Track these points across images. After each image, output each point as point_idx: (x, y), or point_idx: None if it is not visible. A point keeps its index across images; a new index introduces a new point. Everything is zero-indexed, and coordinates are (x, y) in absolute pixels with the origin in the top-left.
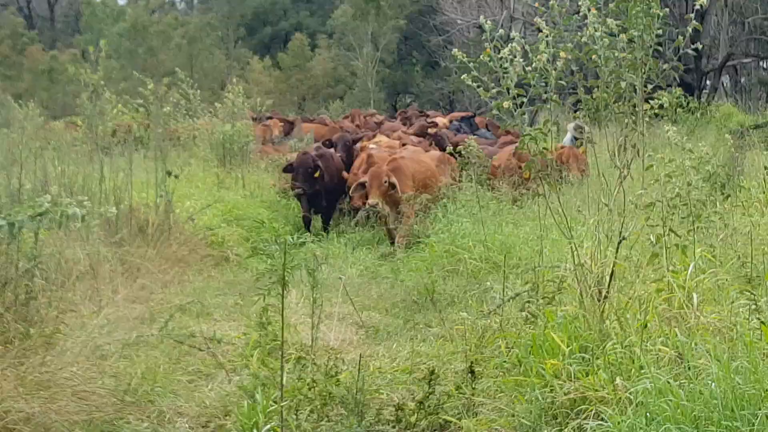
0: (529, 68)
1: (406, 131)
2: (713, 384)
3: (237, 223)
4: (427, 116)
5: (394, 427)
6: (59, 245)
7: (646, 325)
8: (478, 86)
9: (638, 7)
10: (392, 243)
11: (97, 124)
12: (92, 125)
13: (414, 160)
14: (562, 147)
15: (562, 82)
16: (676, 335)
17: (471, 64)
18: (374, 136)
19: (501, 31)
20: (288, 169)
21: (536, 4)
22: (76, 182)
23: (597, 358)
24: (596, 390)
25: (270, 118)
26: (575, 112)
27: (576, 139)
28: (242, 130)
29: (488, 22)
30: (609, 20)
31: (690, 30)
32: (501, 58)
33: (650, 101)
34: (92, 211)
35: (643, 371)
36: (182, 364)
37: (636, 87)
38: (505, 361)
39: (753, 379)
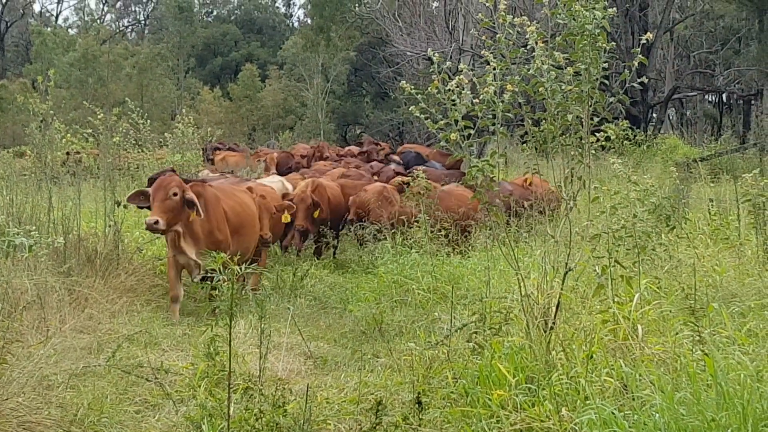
0: (477, 100)
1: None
2: (657, 415)
3: None
4: (382, 147)
5: None
6: (6, 274)
7: (591, 356)
8: (426, 118)
9: (585, 41)
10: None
11: (46, 154)
12: (41, 155)
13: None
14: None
15: (510, 115)
16: (621, 366)
17: (419, 96)
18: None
19: (449, 63)
20: None
21: (484, 37)
22: (24, 212)
23: (543, 389)
24: (542, 420)
25: (218, 148)
26: (523, 143)
27: None
28: (192, 159)
29: (436, 54)
30: (556, 53)
31: (636, 63)
32: (449, 90)
33: (596, 134)
34: (40, 241)
35: (588, 402)
36: (129, 394)
37: (582, 120)
38: (452, 392)
39: (696, 410)
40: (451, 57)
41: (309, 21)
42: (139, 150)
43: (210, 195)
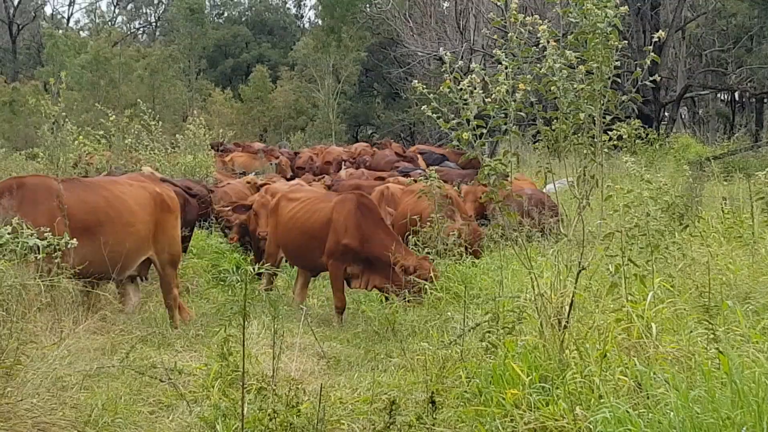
0: (489, 100)
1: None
2: (672, 413)
3: (198, 254)
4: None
5: None
6: (20, 277)
7: (605, 355)
8: (438, 117)
9: (596, 39)
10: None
11: (58, 156)
12: (53, 156)
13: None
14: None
15: (522, 114)
16: (635, 365)
17: (431, 96)
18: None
19: (461, 62)
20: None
21: (495, 36)
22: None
23: (557, 388)
24: (556, 419)
25: (226, 150)
26: (535, 143)
27: None
28: (203, 161)
29: (448, 54)
30: (567, 52)
31: (648, 62)
32: (461, 89)
33: (609, 132)
34: (53, 243)
35: (602, 401)
36: (143, 395)
37: (595, 118)
38: (465, 391)
39: (711, 408)
40: (462, 57)
41: (320, 22)
42: (151, 152)
43: (34, 187)
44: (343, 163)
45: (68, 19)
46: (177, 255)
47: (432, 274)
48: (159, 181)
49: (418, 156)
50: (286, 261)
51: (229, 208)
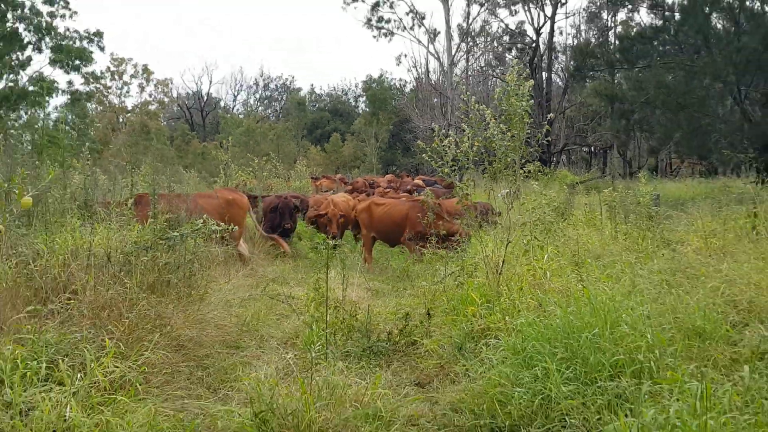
0: (459, 150)
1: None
2: (557, 320)
3: (298, 235)
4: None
5: (386, 343)
6: (207, 246)
7: (521, 288)
8: (431, 160)
9: (516, 118)
10: None
11: (226, 182)
12: (226, 184)
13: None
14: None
15: (476, 158)
16: (538, 294)
17: (427, 149)
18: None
19: (443, 131)
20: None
21: (462, 117)
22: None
23: (495, 306)
24: (495, 324)
25: (317, 178)
26: (483, 174)
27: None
28: (305, 185)
29: (436, 126)
30: (501, 125)
31: (544, 131)
32: (443, 145)
33: (523, 169)
34: (225, 228)
35: (520, 313)
36: (273, 310)
37: (516, 161)
38: (446, 308)
39: (578, 317)
40: (443, 128)
41: (367, 109)
42: (277, 179)
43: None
44: (384, 185)
45: (232, 108)
46: (241, 230)
47: (467, 237)
48: (241, 193)
49: (422, 181)
50: (377, 240)
51: (315, 214)
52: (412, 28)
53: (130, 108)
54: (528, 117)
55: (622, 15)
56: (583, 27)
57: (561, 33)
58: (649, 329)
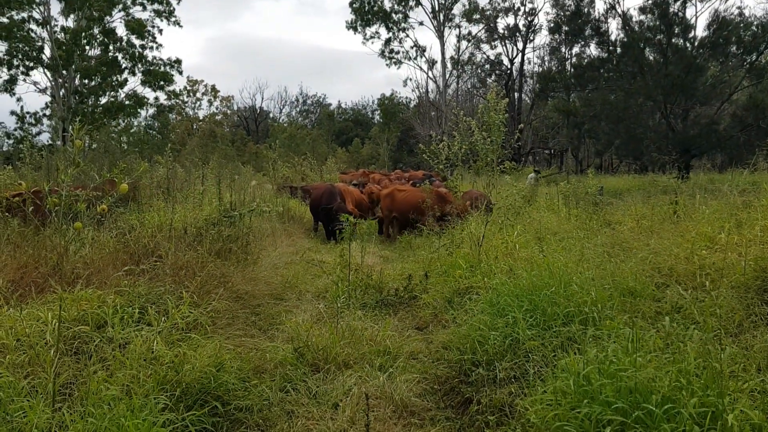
0: (451, 152)
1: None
2: (524, 281)
3: None
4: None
5: (393, 297)
6: (259, 223)
7: (497, 257)
8: (429, 159)
9: (495, 127)
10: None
11: (274, 175)
12: (274, 176)
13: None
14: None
15: (464, 158)
16: (510, 261)
17: (427, 150)
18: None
19: (438, 137)
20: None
21: (453, 126)
22: (267, 198)
23: (477, 270)
24: (476, 283)
25: (344, 173)
26: (469, 169)
27: (536, 180)
28: (334, 179)
29: (433, 134)
30: (483, 133)
31: (516, 136)
32: (439, 147)
33: (500, 166)
34: (273, 209)
35: (496, 276)
36: (309, 272)
37: (494, 160)
38: (440, 272)
39: (540, 279)
40: (439, 134)
41: (381, 120)
42: (312, 172)
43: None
44: (398, 179)
45: (279, 118)
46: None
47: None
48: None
49: (422, 174)
50: (396, 220)
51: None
52: (415, 58)
53: (201, 118)
54: (503, 127)
55: (576, 49)
56: (546, 58)
57: (529, 62)
58: (593, 288)
